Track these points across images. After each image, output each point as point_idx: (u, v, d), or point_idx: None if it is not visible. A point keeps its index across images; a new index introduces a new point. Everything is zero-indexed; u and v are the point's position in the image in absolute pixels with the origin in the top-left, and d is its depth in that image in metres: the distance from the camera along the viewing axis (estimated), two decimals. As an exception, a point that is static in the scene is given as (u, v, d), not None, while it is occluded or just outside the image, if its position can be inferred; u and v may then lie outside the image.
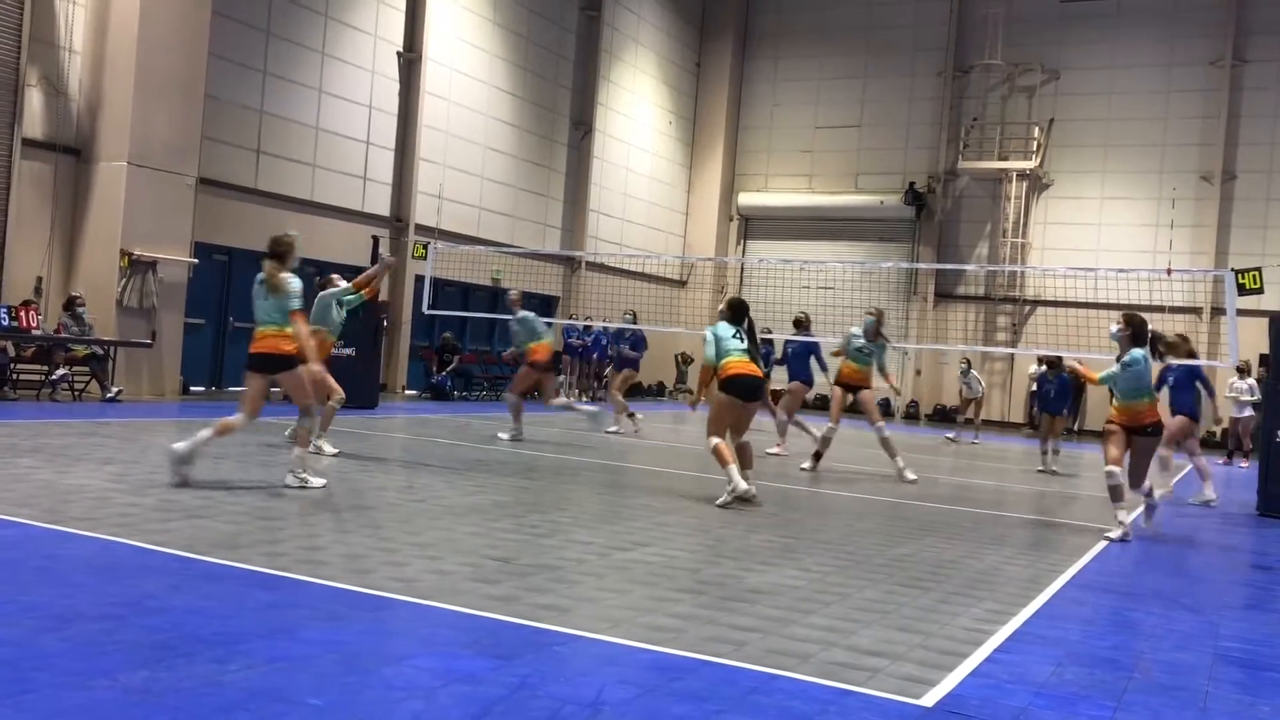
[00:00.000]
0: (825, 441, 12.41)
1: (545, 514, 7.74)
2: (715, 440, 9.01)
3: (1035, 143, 27.92)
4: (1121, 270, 17.06)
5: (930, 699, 4.05)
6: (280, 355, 7.87)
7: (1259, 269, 11.65)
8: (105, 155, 15.33)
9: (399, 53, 21.22)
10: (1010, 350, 27.13)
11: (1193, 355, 12.16)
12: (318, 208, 19.52)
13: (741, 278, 29.38)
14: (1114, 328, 8.94)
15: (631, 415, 16.06)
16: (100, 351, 14.90)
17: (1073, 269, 22.51)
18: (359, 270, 13.05)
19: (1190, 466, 13.62)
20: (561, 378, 24.46)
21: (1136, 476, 8.97)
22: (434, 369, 21.32)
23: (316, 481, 8.06)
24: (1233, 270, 11.93)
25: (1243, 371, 18.93)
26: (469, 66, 22.96)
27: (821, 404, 12.97)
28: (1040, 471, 14.78)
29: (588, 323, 23.87)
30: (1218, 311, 24.66)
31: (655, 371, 28.58)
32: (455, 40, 22.49)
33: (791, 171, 30.75)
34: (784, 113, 30.89)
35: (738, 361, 9.08)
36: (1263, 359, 20.41)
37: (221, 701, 3.41)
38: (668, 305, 27.42)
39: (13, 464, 8.06)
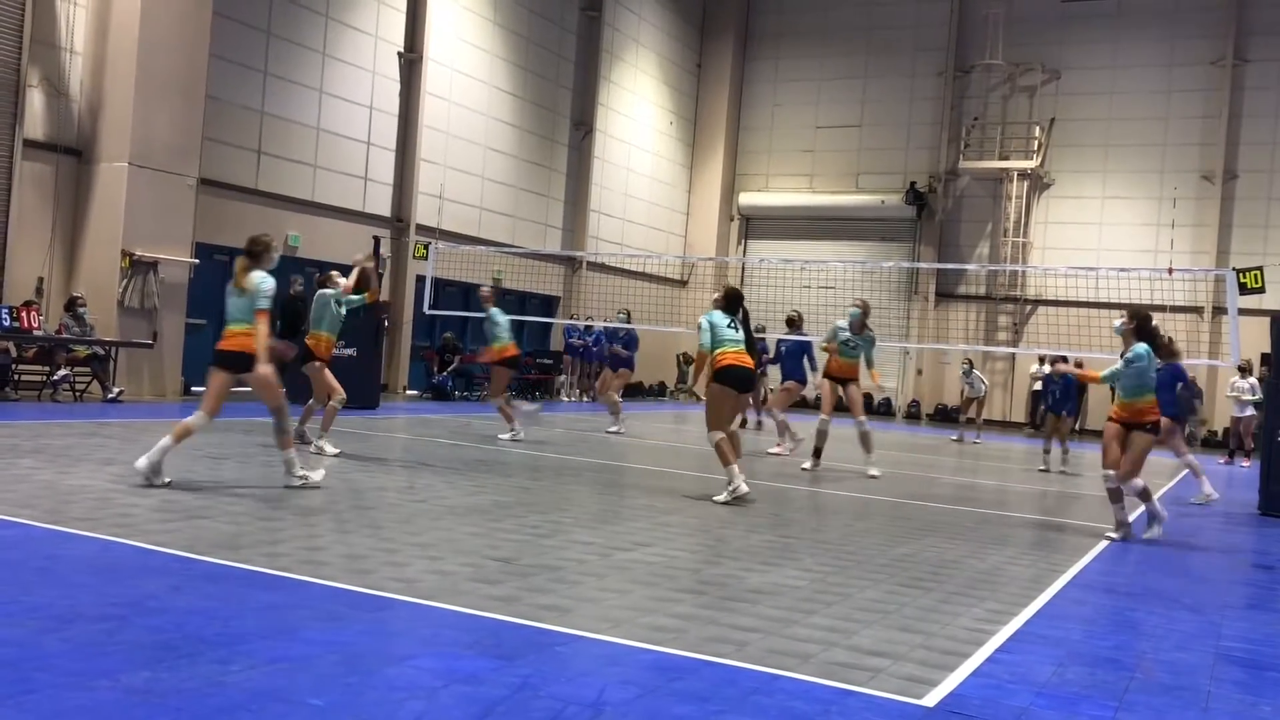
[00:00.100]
0: (821, 435, 12.39)
1: (546, 514, 7.73)
2: (718, 435, 9.03)
3: (1036, 142, 27.91)
4: (1123, 270, 17.03)
5: (932, 699, 4.04)
6: (249, 354, 7.73)
7: (1260, 268, 11.67)
8: (106, 156, 15.33)
9: (400, 53, 21.22)
10: (1011, 350, 27.13)
11: (1175, 355, 12.12)
12: (318, 208, 19.50)
13: (743, 278, 29.35)
14: (1118, 322, 8.93)
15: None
16: (101, 352, 14.91)
17: (1074, 268, 22.50)
18: (359, 270, 13.05)
19: (1185, 470, 13.59)
20: (562, 378, 24.50)
21: (1129, 471, 8.88)
22: (435, 369, 21.32)
23: (316, 475, 8.05)
24: (1234, 270, 11.95)
25: (1244, 371, 18.92)
26: (469, 67, 22.97)
27: (819, 404, 12.95)
28: (1042, 471, 14.77)
29: (589, 322, 23.87)
30: (1219, 311, 24.67)
31: (656, 371, 28.59)
32: (456, 41, 22.49)
33: (792, 171, 30.75)
34: (785, 113, 30.89)
35: (733, 352, 9.08)
36: (1264, 358, 20.44)
37: (223, 702, 3.41)
38: (668, 305, 27.42)
39: (14, 465, 8.07)
